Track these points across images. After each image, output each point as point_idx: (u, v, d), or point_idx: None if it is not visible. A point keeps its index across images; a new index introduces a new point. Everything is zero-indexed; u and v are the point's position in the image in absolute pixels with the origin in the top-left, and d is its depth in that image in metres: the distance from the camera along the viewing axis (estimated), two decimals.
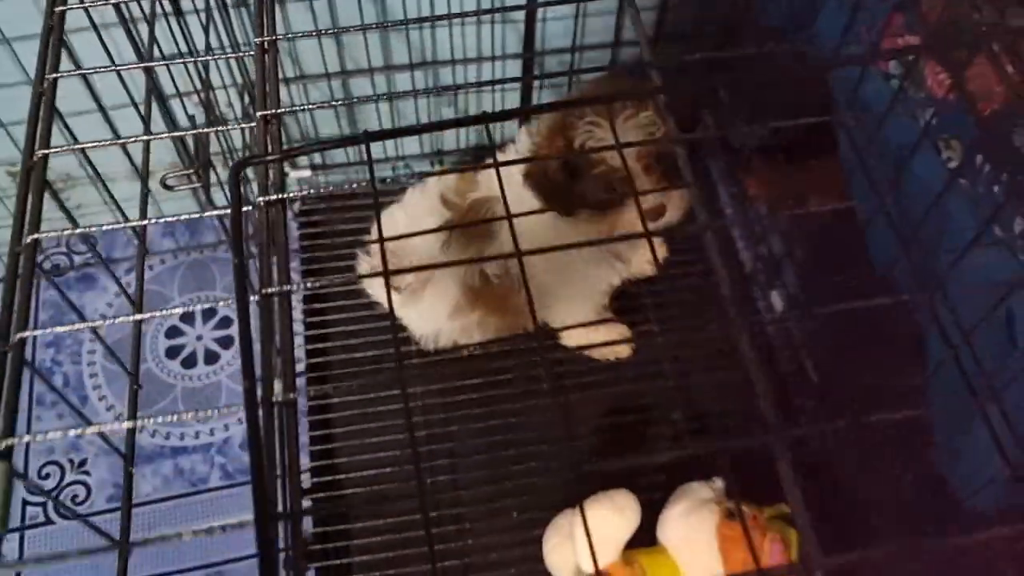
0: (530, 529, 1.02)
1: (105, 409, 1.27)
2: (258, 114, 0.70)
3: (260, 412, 0.53)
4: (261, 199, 0.64)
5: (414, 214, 1.08)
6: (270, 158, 0.66)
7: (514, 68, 1.26)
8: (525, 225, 0.93)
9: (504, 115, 0.98)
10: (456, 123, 0.81)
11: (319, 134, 1.31)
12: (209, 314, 1.34)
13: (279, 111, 0.71)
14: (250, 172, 0.69)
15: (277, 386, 0.57)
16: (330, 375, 1.21)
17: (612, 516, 0.95)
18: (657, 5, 1.15)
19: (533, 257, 1.02)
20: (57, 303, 1.35)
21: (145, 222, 0.76)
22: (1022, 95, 0.67)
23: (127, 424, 0.61)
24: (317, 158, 1.35)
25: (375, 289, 1.16)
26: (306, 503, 1.13)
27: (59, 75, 0.71)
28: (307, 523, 1.12)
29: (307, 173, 1.34)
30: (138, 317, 0.71)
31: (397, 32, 1.17)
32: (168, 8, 0.94)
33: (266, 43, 0.75)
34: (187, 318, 1.34)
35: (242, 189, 0.59)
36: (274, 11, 0.78)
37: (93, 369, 1.30)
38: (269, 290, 0.60)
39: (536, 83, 1.28)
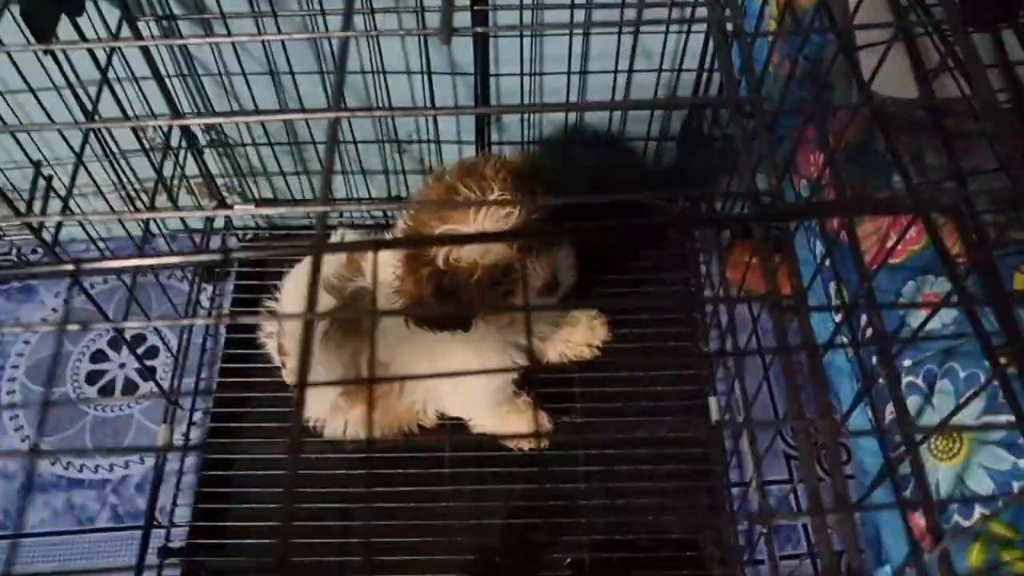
0: None
1: (13, 430, 1.23)
2: None
3: None
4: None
5: (300, 290, 1.02)
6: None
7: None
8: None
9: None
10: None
11: (267, 167, 1.26)
12: (138, 341, 1.30)
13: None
14: None
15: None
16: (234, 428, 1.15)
17: None
18: None
19: (418, 358, 0.93)
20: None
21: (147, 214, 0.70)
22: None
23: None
24: (266, 191, 1.29)
25: (272, 352, 1.10)
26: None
27: None
28: None
29: (251, 208, 1.28)
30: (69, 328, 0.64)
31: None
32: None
33: None
34: (115, 344, 1.30)
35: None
36: None
37: (12, 386, 1.27)
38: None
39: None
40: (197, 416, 1.19)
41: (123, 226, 1.20)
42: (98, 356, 1.29)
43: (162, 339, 1.26)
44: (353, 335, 0.96)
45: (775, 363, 1.11)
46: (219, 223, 1.33)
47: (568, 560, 1.04)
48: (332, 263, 0.97)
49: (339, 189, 1.30)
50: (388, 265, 0.88)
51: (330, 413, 1.05)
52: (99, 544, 1.14)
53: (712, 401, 1.10)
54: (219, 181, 1.28)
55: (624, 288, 1.21)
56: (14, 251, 1.39)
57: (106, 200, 1.15)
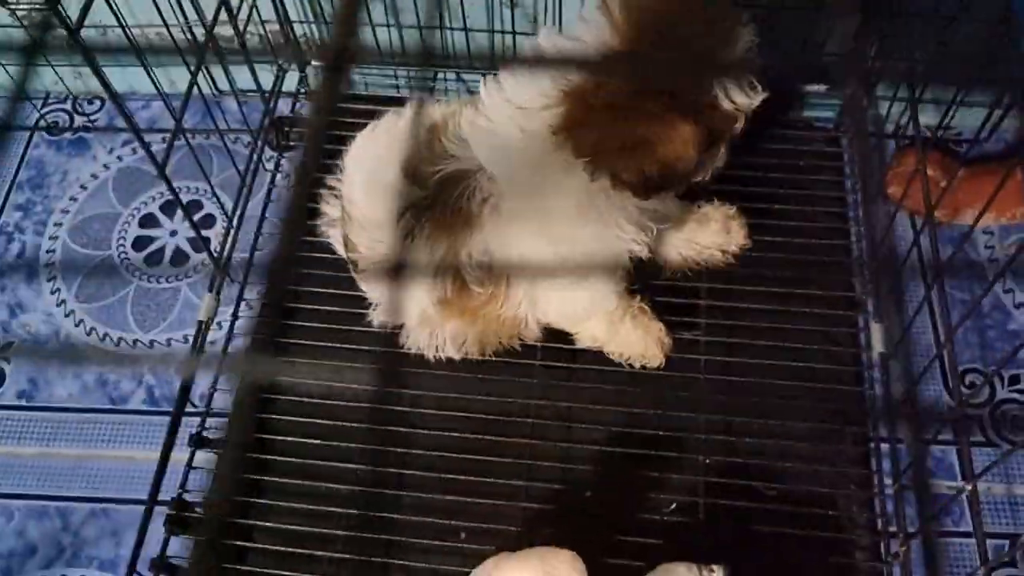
0: (474, 559, 0.76)
1: (50, 292, 1.09)
2: None
3: None
4: None
5: (381, 161, 0.82)
6: None
7: None
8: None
9: None
10: None
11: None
12: (193, 208, 1.13)
13: None
14: None
15: None
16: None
17: (537, 571, 0.67)
18: None
19: (537, 248, 0.72)
20: (42, 162, 1.19)
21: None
22: None
23: None
24: None
25: (337, 244, 0.91)
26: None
27: None
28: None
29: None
30: None
31: None
32: None
33: None
34: (168, 208, 1.14)
35: None
36: None
37: (53, 245, 1.13)
38: None
39: None
40: (250, 295, 1.02)
41: (187, 68, 1.03)
42: (148, 220, 1.14)
43: (220, 204, 1.09)
44: (448, 228, 0.76)
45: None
46: (291, 82, 1.15)
47: (674, 504, 0.84)
48: (409, 144, 0.78)
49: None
50: (537, 114, 0.68)
51: (417, 324, 0.86)
52: (129, 427, 1.00)
53: (876, 329, 0.87)
54: (298, 31, 1.09)
55: (769, 187, 0.99)
56: (69, 101, 1.24)
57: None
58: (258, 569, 0.84)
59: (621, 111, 0.65)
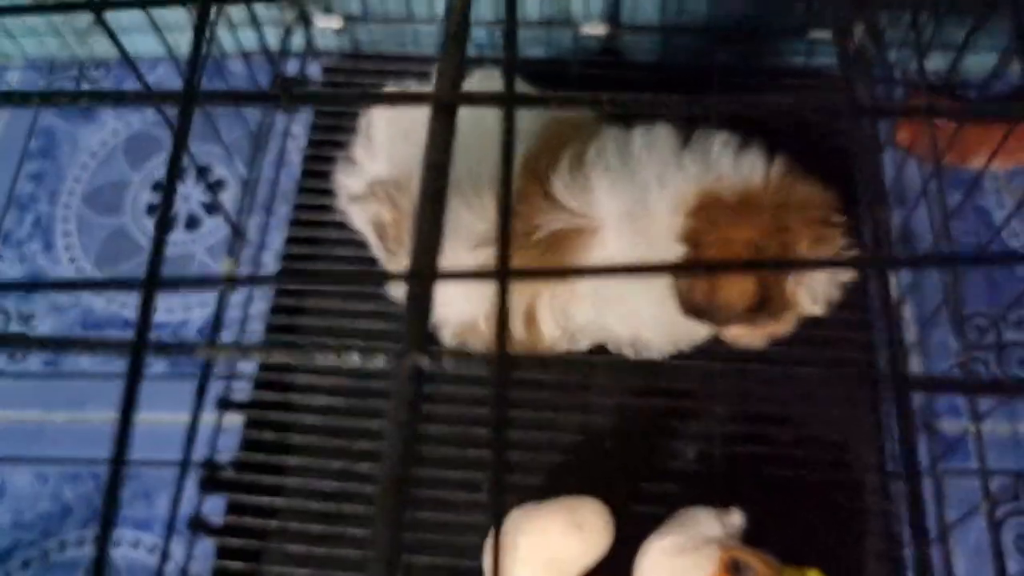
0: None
1: (68, 260, 1.10)
2: None
3: None
4: None
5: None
6: None
7: None
8: None
9: None
10: None
11: None
12: (205, 172, 1.14)
13: None
14: None
15: None
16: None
17: (566, 534, 0.70)
18: None
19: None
20: (52, 131, 1.19)
21: None
22: None
23: None
24: (354, 6, 1.10)
25: (359, 223, 0.91)
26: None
27: None
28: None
29: (338, 24, 1.10)
30: None
31: None
32: None
33: None
34: (180, 172, 1.15)
35: None
36: None
37: (67, 213, 1.14)
38: None
39: None
40: (267, 258, 1.04)
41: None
42: (160, 186, 1.15)
43: (233, 168, 1.10)
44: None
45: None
46: (298, 42, 1.15)
47: (693, 452, 0.87)
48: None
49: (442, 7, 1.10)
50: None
51: (455, 327, 0.84)
52: (156, 391, 1.01)
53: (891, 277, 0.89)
54: None
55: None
56: (75, 68, 1.24)
57: None
58: (288, 524, 0.87)
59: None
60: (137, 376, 0.25)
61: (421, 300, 0.23)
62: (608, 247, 0.78)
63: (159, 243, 0.29)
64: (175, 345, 0.34)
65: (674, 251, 0.76)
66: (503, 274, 0.22)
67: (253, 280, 0.98)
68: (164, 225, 0.29)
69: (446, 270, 0.25)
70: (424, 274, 0.24)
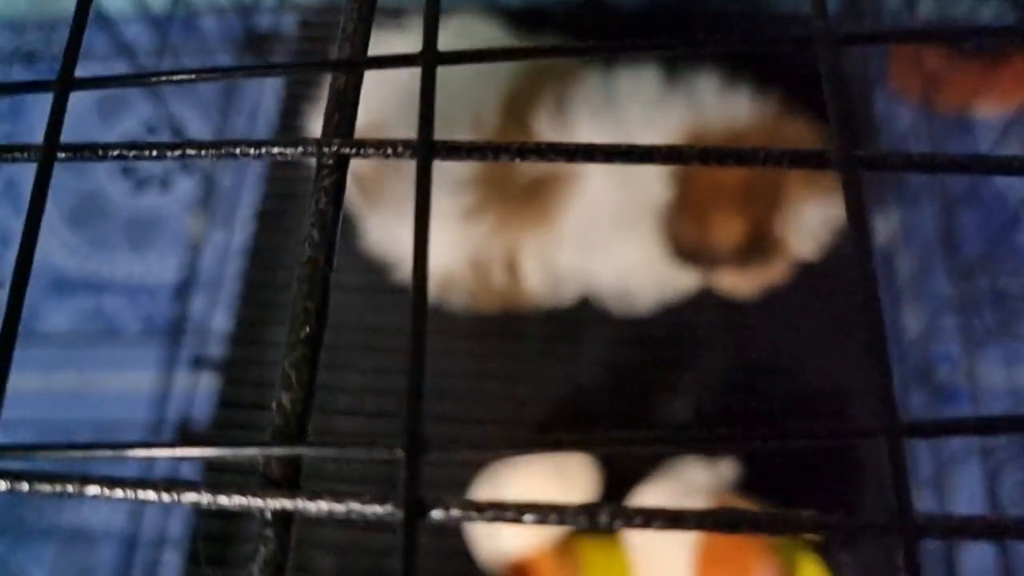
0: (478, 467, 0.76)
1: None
2: None
3: None
4: None
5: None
6: None
7: None
8: None
9: None
10: None
11: None
12: (176, 135, 1.11)
13: None
14: None
15: None
16: None
17: (551, 486, 0.67)
18: None
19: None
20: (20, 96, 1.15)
21: None
22: None
23: None
24: None
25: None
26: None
27: None
28: None
29: None
30: None
31: None
32: None
33: None
34: (153, 131, 1.12)
35: None
36: None
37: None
38: None
39: None
40: (242, 215, 1.01)
41: None
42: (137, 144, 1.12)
43: (206, 122, 1.07)
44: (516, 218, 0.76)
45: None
46: None
47: (685, 405, 0.85)
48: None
49: None
50: None
51: (447, 282, 0.82)
52: (127, 353, 0.99)
53: (878, 218, 0.87)
54: None
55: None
56: (46, 28, 1.20)
57: None
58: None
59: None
60: None
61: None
62: (592, 192, 0.75)
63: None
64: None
65: (661, 193, 0.74)
66: (431, 59, 0.19)
67: None
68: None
69: (373, 56, 0.24)
70: (352, 63, 0.22)
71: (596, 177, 0.75)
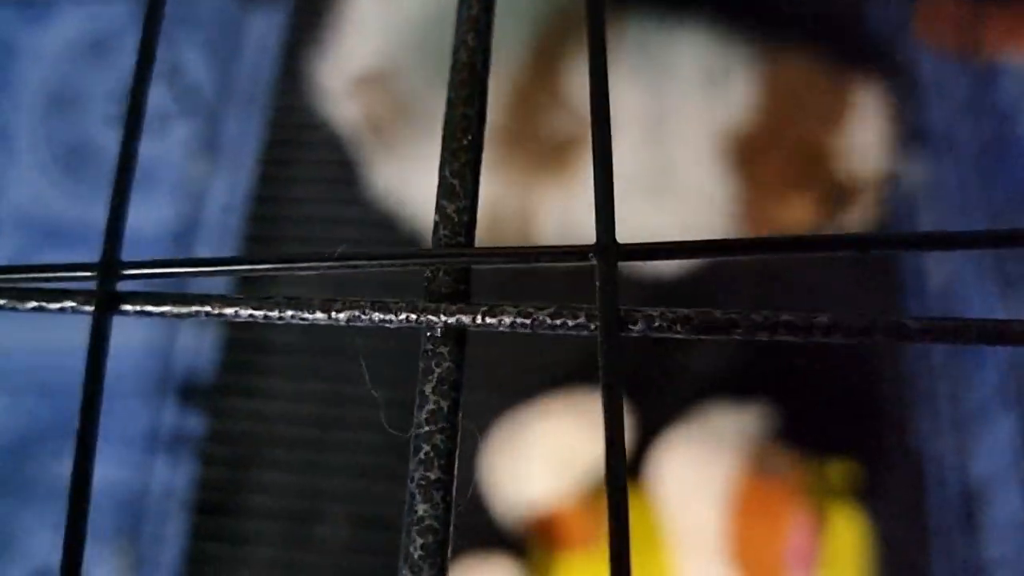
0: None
1: (29, 167, 1.03)
2: None
3: None
4: None
5: None
6: None
7: None
8: None
9: None
10: None
11: None
12: (176, 75, 1.06)
13: None
14: None
15: None
16: None
17: (578, 428, 0.65)
18: None
19: None
20: (5, 39, 1.11)
21: None
22: None
23: None
24: None
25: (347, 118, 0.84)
26: None
27: None
28: None
29: None
30: None
31: None
32: None
33: None
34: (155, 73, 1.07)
35: None
36: None
37: (28, 120, 1.06)
38: None
39: None
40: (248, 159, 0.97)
41: None
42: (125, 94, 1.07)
43: (207, 64, 1.03)
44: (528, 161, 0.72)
45: None
46: None
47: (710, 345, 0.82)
48: None
49: None
50: None
51: None
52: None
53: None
54: None
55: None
56: None
57: None
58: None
59: None
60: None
61: None
62: (626, 158, 0.72)
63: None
64: None
65: (708, 166, 0.70)
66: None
67: None
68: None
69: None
70: None
71: (630, 140, 0.71)
